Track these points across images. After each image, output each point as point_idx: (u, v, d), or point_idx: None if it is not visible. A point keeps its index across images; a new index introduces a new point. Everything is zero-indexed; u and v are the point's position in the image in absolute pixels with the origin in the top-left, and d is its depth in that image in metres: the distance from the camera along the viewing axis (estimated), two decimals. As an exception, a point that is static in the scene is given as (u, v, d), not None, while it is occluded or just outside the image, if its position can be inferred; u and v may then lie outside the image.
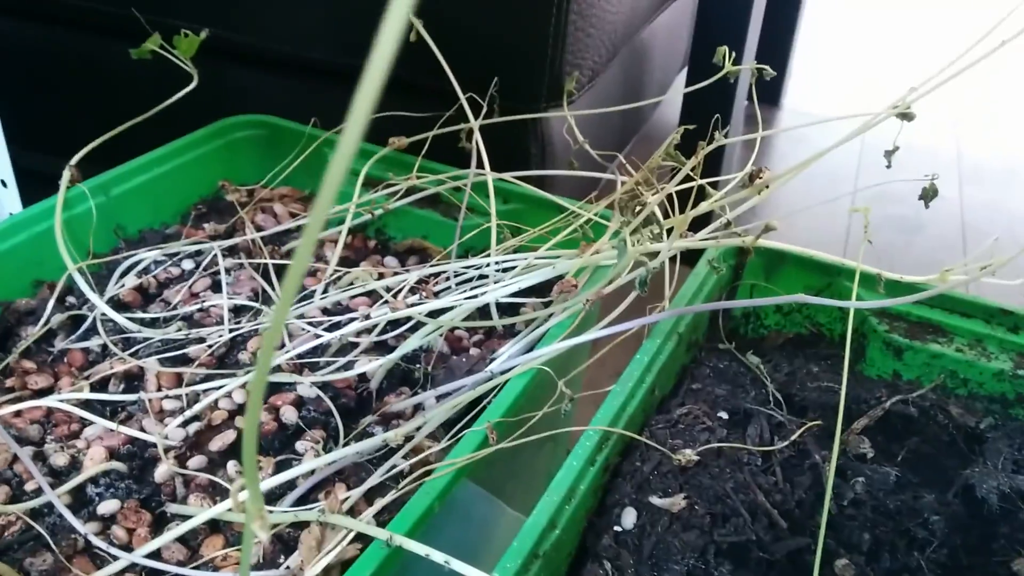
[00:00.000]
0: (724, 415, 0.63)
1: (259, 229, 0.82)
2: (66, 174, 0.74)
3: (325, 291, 0.74)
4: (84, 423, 0.61)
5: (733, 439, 0.61)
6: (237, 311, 0.74)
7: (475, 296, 0.66)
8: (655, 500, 0.55)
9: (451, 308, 0.64)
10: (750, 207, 0.64)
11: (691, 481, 0.57)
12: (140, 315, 0.71)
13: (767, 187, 0.62)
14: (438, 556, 0.44)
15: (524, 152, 0.91)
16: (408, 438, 0.56)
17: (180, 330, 0.71)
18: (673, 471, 0.57)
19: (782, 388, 0.66)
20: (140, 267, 0.75)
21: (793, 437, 0.60)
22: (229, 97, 0.94)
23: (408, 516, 0.48)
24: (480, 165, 0.79)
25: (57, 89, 1.11)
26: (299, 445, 0.58)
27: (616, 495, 0.55)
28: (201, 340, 0.69)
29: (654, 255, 0.61)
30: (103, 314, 0.69)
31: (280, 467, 0.57)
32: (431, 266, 0.70)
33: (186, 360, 0.67)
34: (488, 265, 0.67)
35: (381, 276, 0.73)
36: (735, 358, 0.69)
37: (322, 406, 0.62)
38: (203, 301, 0.73)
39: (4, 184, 0.95)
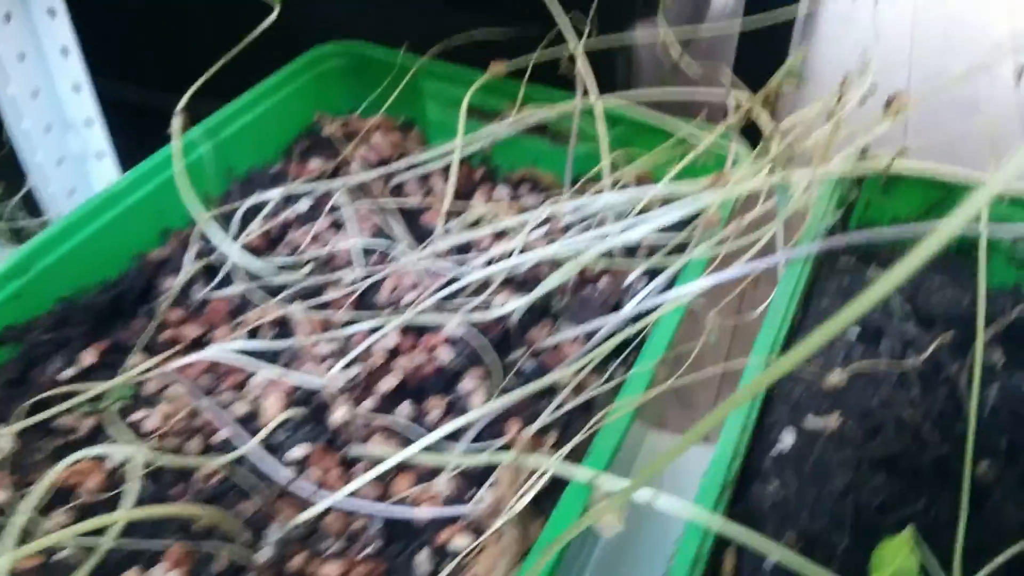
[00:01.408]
0: (856, 331, 0.66)
1: (366, 163, 0.82)
2: (177, 121, 0.74)
3: (446, 226, 0.76)
4: (247, 372, 0.64)
5: (868, 355, 0.63)
6: (364, 250, 0.75)
7: (606, 235, 0.67)
8: (810, 420, 0.58)
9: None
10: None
11: (840, 400, 0.60)
12: (273, 260, 0.73)
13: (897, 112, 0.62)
14: (644, 494, 0.47)
15: (611, 73, 0.90)
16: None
17: (313, 273, 0.72)
18: (821, 392, 0.60)
19: (908, 301, 0.68)
20: (264, 211, 0.76)
21: (929, 350, 0.63)
22: (310, 26, 0.93)
23: (600, 455, 0.51)
24: (585, 89, 0.79)
25: (130, 17, 1.09)
26: (463, 385, 0.61)
27: (773, 417, 0.58)
28: (336, 283, 0.71)
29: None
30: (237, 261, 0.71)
31: (451, 407, 0.60)
32: (554, 201, 0.71)
33: (324, 304, 0.69)
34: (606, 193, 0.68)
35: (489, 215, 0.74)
36: (857, 273, 0.71)
37: (472, 344, 0.64)
38: (326, 242, 0.75)
39: (89, 123, 0.95)
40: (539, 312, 0.68)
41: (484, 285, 0.70)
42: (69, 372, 0.62)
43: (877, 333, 0.66)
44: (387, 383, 0.61)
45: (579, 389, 0.59)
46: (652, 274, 0.70)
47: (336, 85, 0.89)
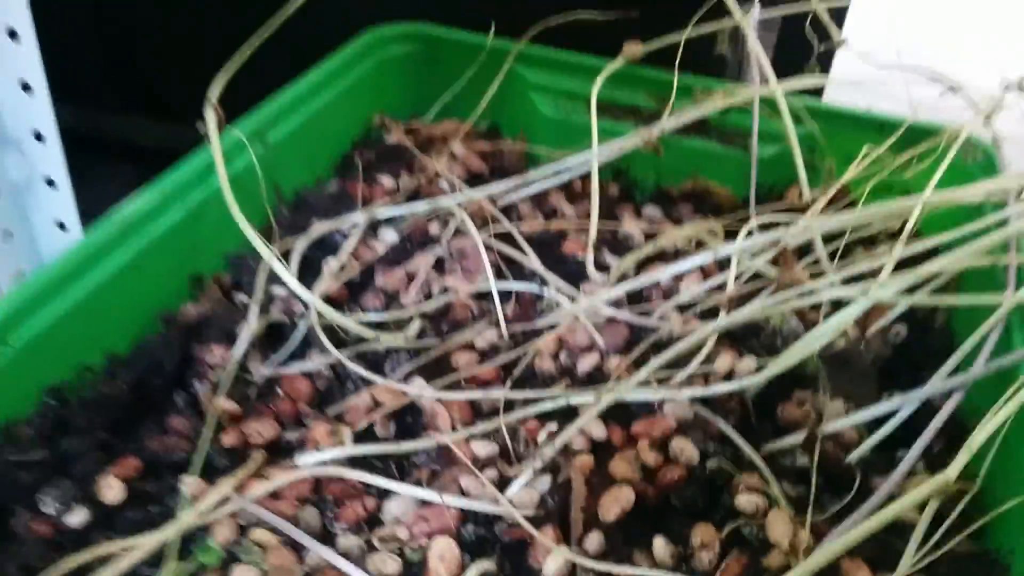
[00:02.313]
0: None
1: (444, 183, 0.59)
2: (211, 114, 0.50)
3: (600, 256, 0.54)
4: (368, 490, 0.39)
5: None
6: (479, 296, 0.52)
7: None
8: None
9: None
10: None
11: None
12: (364, 315, 0.49)
13: None
14: None
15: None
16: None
17: (425, 333, 0.49)
18: None
19: None
20: (345, 247, 0.52)
21: None
22: (337, 9, 0.69)
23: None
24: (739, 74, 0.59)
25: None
26: (740, 501, 0.38)
27: None
28: (469, 346, 0.48)
29: None
30: (318, 318, 0.47)
31: (732, 540, 0.37)
32: (789, 218, 0.50)
33: (451, 374, 0.46)
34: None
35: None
36: None
37: (709, 430, 0.42)
38: (428, 288, 0.52)
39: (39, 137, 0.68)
40: (783, 380, 0.46)
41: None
42: (77, 519, 0.36)
43: None
44: (614, 505, 0.38)
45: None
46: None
47: (397, 78, 0.66)
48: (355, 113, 0.64)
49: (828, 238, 0.51)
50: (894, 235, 0.52)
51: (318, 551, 0.35)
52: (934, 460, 0.43)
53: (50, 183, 0.68)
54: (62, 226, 0.69)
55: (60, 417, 0.39)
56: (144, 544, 0.33)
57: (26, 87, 0.64)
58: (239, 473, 0.38)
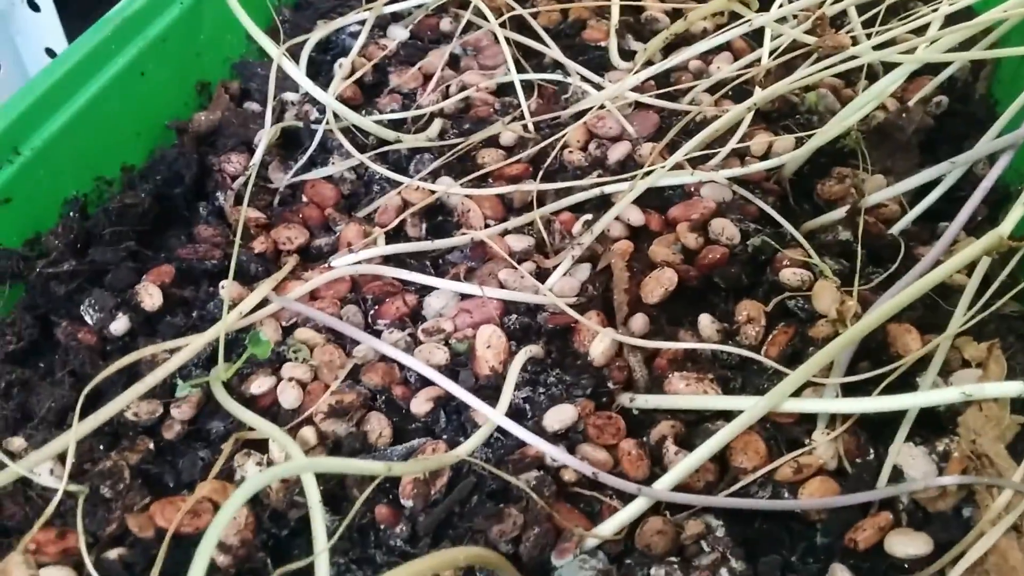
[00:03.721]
0: None
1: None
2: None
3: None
4: (407, 287, 0.39)
5: None
6: (499, 92, 0.50)
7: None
8: None
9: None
10: None
11: None
12: (380, 117, 0.47)
13: None
14: None
15: None
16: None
17: (445, 132, 0.47)
18: None
19: None
20: (358, 44, 0.49)
21: None
22: None
23: None
24: None
25: None
26: (785, 275, 0.38)
27: None
28: (493, 143, 0.46)
29: None
30: (336, 119, 0.45)
31: (778, 317, 0.37)
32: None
33: (482, 176, 0.44)
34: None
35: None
36: None
37: (748, 211, 0.41)
38: (447, 88, 0.49)
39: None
40: (821, 157, 0.44)
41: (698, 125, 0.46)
42: (119, 326, 0.36)
43: None
44: (656, 287, 0.38)
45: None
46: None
47: None
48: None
49: (863, 8, 0.48)
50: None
51: (367, 342, 0.35)
52: (977, 230, 0.42)
53: (33, 6, 0.64)
54: (51, 52, 0.66)
55: (85, 228, 0.38)
56: (193, 344, 0.33)
57: None
58: (277, 275, 0.38)
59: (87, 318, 0.36)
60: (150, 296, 0.36)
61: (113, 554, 0.30)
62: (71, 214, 0.38)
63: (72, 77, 0.38)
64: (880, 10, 0.47)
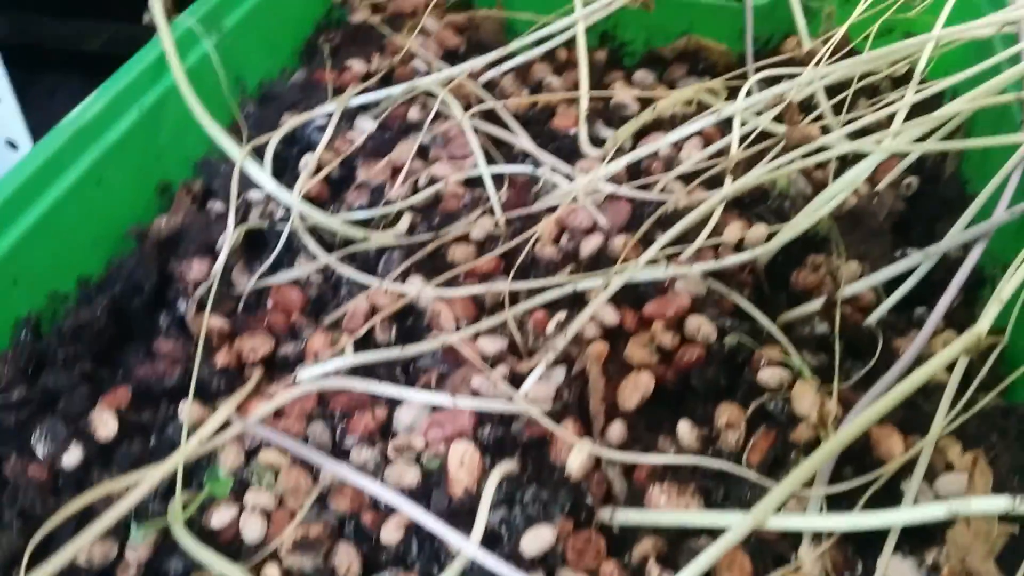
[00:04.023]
0: None
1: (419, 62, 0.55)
2: (158, 2, 0.45)
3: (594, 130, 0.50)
4: (376, 400, 0.38)
5: None
6: (469, 183, 0.49)
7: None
8: None
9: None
10: None
11: None
12: (348, 214, 0.46)
13: None
14: None
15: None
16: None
17: (415, 227, 0.46)
18: None
19: None
20: (323, 141, 0.48)
21: None
22: None
23: None
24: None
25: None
26: (763, 376, 0.37)
27: None
28: (464, 238, 0.45)
29: None
30: (301, 220, 0.44)
31: (759, 419, 0.36)
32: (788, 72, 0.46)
33: (448, 269, 0.43)
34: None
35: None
36: None
37: (724, 305, 0.40)
38: (416, 180, 0.48)
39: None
40: (794, 245, 0.44)
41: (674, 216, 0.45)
42: (72, 458, 0.34)
43: None
44: (633, 392, 0.37)
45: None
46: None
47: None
48: (313, -8, 0.59)
49: (831, 90, 0.48)
50: (898, 81, 0.49)
51: (332, 468, 0.33)
52: (953, 316, 0.41)
53: (-10, 97, 0.63)
54: (12, 145, 0.65)
55: (38, 350, 0.37)
56: (148, 479, 0.31)
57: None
58: (239, 394, 0.36)
59: (38, 451, 0.34)
60: (104, 425, 0.34)
61: None
62: (23, 335, 0.37)
63: (25, 192, 0.37)
64: (847, 95, 0.47)
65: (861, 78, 0.48)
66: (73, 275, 0.40)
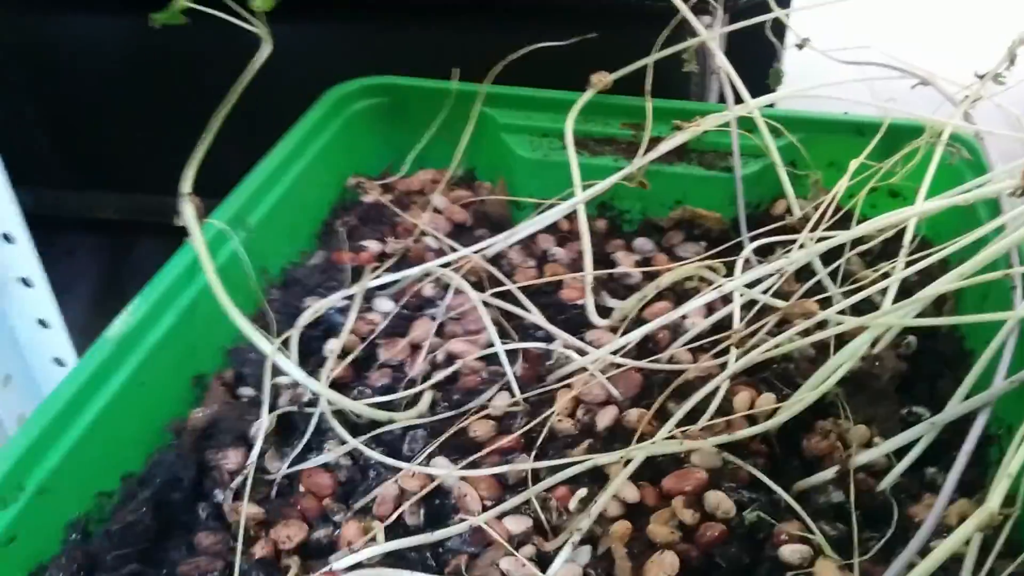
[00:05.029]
0: None
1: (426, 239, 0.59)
2: (190, 207, 0.48)
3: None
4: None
5: None
6: (488, 359, 0.51)
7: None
8: None
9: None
10: None
11: None
12: (373, 398, 0.48)
13: None
14: None
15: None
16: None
17: (437, 403, 0.48)
18: None
19: None
20: (347, 326, 0.51)
21: None
22: (296, 63, 0.68)
23: None
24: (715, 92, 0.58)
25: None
26: (783, 551, 0.38)
27: None
28: (481, 411, 0.47)
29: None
30: (328, 405, 0.46)
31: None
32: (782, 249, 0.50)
33: (476, 449, 0.45)
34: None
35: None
36: None
37: (739, 475, 0.42)
38: (435, 357, 0.51)
39: (7, 238, 0.67)
40: (804, 411, 0.46)
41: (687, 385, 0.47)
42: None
43: None
44: (658, 573, 0.38)
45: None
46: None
47: (368, 134, 0.65)
48: (330, 176, 0.63)
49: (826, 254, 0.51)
50: (891, 240, 0.52)
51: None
52: (963, 477, 0.43)
53: (25, 282, 0.66)
54: (59, 362, 0.68)
55: (87, 553, 0.38)
56: None
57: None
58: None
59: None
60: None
61: None
62: (73, 537, 0.38)
63: (72, 406, 0.39)
64: (841, 263, 0.50)
65: (853, 245, 0.51)
66: (117, 474, 0.42)
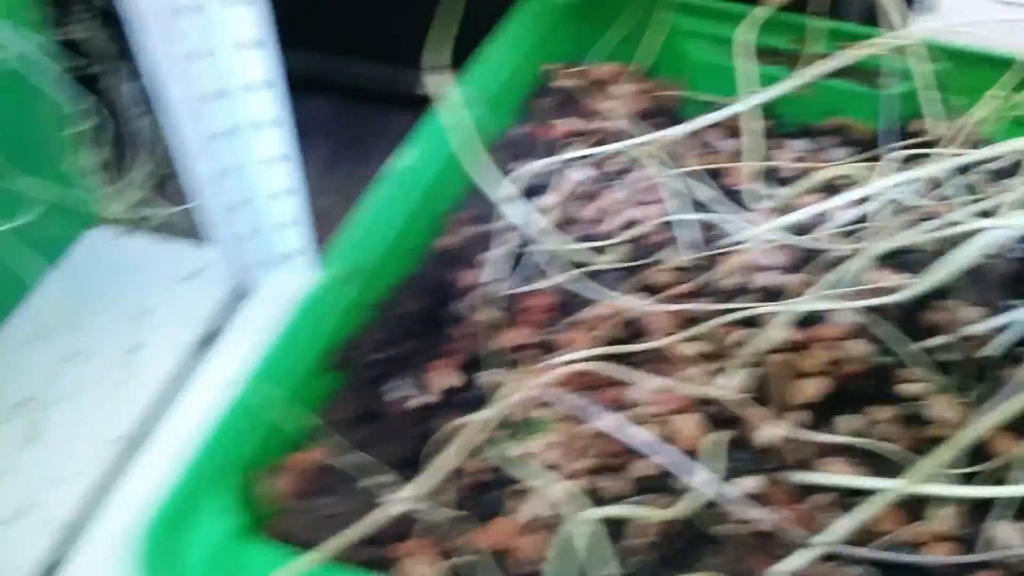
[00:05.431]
0: None
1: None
2: (439, 79, 0.60)
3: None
4: (613, 383, 0.52)
5: None
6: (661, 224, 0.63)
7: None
8: None
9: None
10: None
11: None
12: (581, 244, 0.60)
13: None
14: None
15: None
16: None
17: (632, 256, 0.60)
18: None
19: None
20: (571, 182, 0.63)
21: None
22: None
23: None
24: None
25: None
26: (908, 388, 0.50)
27: None
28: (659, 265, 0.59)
29: None
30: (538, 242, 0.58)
31: (909, 419, 0.49)
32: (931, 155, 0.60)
33: (658, 291, 0.57)
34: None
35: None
36: None
37: (880, 333, 0.53)
38: (622, 218, 0.62)
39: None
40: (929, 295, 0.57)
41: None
42: (416, 400, 0.49)
43: None
44: (807, 389, 0.50)
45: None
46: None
47: (560, 30, 0.75)
48: (531, 63, 0.73)
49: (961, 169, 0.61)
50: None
51: (599, 421, 0.47)
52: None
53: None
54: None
55: (387, 330, 0.52)
56: (482, 416, 0.46)
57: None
58: (523, 369, 0.51)
59: (390, 395, 0.49)
60: (440, 376, 0.50)
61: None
62: (373, 317, 0.52)
63: (377, 217, 0.53)
64: (973, 179, 0.60)
65: (983, 163, 0.61)
66: (397, 278, 0.55)
